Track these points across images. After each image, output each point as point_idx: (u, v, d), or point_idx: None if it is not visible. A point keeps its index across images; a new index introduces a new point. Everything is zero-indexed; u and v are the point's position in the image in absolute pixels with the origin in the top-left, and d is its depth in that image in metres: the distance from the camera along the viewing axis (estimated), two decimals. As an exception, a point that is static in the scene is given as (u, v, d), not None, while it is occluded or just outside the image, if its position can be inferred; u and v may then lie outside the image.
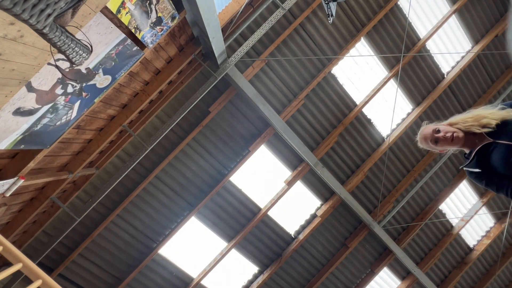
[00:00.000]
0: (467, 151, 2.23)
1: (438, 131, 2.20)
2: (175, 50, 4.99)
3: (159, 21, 3.43)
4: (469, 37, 7.35)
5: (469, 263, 8.52)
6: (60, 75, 2.71)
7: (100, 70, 3.22)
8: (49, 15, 1.20)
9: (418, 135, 2.32)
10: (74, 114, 3.47)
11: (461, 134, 2.15)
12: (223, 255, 6.85)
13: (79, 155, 4.95)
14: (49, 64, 2.44)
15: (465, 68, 7.35)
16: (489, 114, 2.12)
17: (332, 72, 6.64)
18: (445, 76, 7.38)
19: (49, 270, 6.01)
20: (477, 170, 2.16)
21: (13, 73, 2.22)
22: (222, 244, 6.94)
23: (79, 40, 1.53)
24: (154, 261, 6.61)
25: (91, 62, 3.00)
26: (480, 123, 2.12)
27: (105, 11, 2.66)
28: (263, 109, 6.05)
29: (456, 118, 2.24)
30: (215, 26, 4.31)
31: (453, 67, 7.41)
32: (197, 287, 6.91)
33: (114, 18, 2.82)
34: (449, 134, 2.16)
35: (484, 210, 8.31)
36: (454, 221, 8.35)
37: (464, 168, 2.26)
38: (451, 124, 2.22)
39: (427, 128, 2.27)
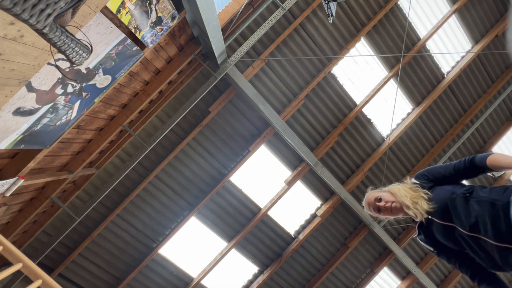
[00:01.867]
0: (415, 219, 2.21)
1: (380, 200, 2.20)
2: (175, 50, 4.99)
3: (159, 21, 3.43)
4: (469, 37, 7.35)
5: None
6: (60, 75, 2.71)
7: (100, 70, 3.22)
8: (49, 15, 1.20)
9: (363, 201, 2.33)
10: (74, 114, 3.47)
11: (399, 205, 2.14)
12: (223, 255, 6.85)
13: (79, 155, 4.95)
14: (49, 64, 2.44)
15: (465, 68, 7.35)
16: (420, 203, 2.05)
17: (332, 72, 6.64)
18: (445, 76, 7.38)
19: (49, 270, 6.01)
20: (430, 248, 2.17)
21: (13, 73, 2.22)
22: (222, 244, 6.94)
23: (79, 40, 1.53)
24: (154, 261, 6.61)
25: (91, 62, 3.00)
26: (415, 208, 2.06)
27: (105, 11, 2.66)
28: (263, 109, 6.05)
29: (395, 189, 2.20)
30: (215, 26, 4.31)
31: (453, 67, 7.41)
32: (197, 287, 6.91)
33: (114, 18, 2.82)
34: (388, 205, 2.16)
35: (484, 210, 8.31)
36: (454, 221, 8.34)
37: (416, 238, 2.27)
38: (391, 193, 2.20)
39: (370, 195, 2.27)
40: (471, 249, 1.92)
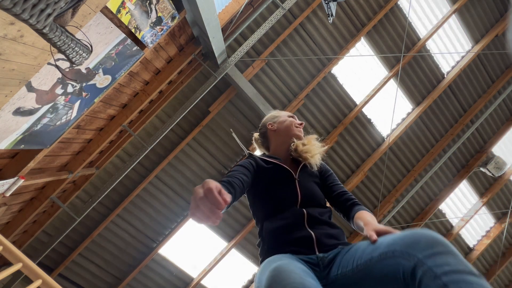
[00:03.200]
0: (271, 153, 2.00)
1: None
2: (175, 50, 4.99)
3: (159, 21, 3.43)
4: (469, 37, 7.35)
5: (469, 263, 8.50)
6: (60, 75, 2.71)
7: (100, 70, 3.22)
8: (49, 15, 1.20)
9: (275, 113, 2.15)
10: (74, 114, 3.47)
11: (300, 139, 1.96)
12: (223, 255, 6.85)
13: (79, 155, 4.95)
14: (49, 64, 2.44)
15: (465, 68, 7.35)
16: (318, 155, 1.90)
17: (332, 72, 6.64)
18: (445, 76, 7.38)
19: (49, 270, 6.01)
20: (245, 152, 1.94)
21: (13, 73, 2.22)
22: (222, 244, 6.94)
23: (79, 40, 1.53)
24: (154, 261, 6.61)
25: (91, 62, 3.00)
26: (308, 151, 1.88)
27: (105, 11, 2.66)
28: (263, 109, 6.04)
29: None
30: (215, 26, 4.31)
31: (453, 67, 7.41)
32: (197, 287, 6.91)
33: (114, 18, 2.82)
34: (300, 123, 2.02)
35: (484, 210, 8.31)
36: (454, 221, 8.35)
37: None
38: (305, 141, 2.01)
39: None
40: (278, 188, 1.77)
